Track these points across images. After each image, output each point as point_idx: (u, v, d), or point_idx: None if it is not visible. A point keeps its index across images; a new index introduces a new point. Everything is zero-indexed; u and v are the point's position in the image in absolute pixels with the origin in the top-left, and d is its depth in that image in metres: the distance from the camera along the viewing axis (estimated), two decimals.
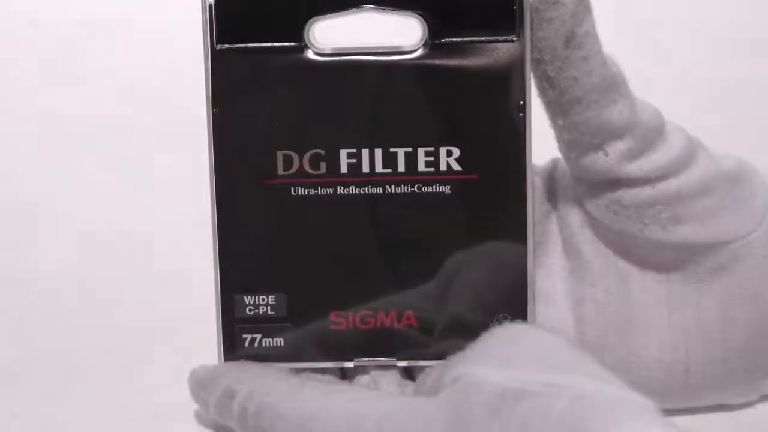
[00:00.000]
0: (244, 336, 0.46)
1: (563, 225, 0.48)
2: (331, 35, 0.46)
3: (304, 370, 0.46)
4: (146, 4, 0.86)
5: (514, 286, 0.46)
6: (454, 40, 0.45)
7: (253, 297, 0.46)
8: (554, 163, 0.49)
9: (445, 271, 0.46)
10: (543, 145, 0.47)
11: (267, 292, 0.46)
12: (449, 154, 0.45)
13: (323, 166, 0.45)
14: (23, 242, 0.67)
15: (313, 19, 0.45)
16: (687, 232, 0.46)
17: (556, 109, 0.45)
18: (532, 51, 0.44)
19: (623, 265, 0.47)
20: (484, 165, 0.45)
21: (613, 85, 0.45)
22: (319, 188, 0.45)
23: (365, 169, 0.45)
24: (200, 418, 0.48)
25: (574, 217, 0.47)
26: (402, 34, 0.46)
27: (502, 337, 0.43)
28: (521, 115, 0.45)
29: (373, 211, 0.46)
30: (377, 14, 0.45)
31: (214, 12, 0.45)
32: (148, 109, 0.77)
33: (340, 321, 0.46)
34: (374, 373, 0.46)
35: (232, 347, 0.46)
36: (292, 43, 0.45)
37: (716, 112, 0.76)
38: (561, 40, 0.44)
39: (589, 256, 0.47)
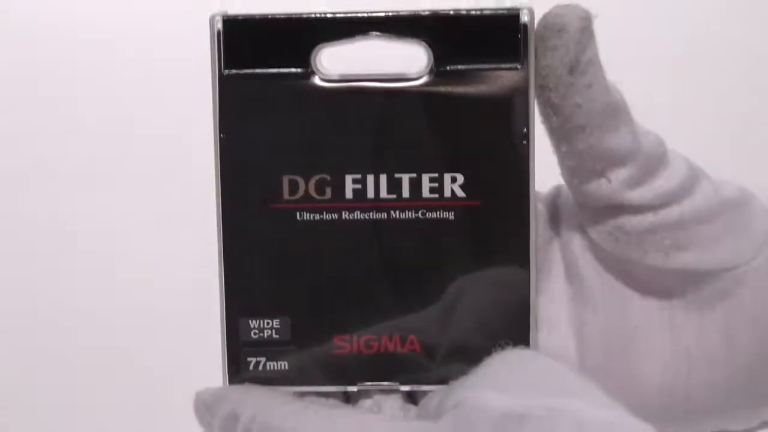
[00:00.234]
0: (249, 359, 0.46)
1: (566, 251, 0.48)
2: (337, 61, 0.46)
3: (308, 393, 0.46)
4: (155, 29, 0.86)
5: (516, 312, 0.45)
6: (459, 67, 0.45)
7: (257, 321, 0.46)
8: (557, 189, 0.49)
9: (448, 296, 0.46)
10: (546, 171, 0.46)
11: (272, 316, 0.46)
12: (453, 180, 0.45)
13: (329, 191, 0.45)
14: (31, 262, 0.66)
15: (320, 45, 0.45)
16: (689, 259, 0.45)
17: (560, 136, 0.45)
18: (536, 78, 0.44)
19: (625, 290, 0.47)
20: (487, 191, 0.45)
21: (616, 112, 0.45)
22: (325, 213, 0.45)
23: (370, 194, 0.45)
24: None
25: (577, 243, 0.47)
26: (407, 60, 0.46)
27: (505, 362, 0.43)
28: (525, 142, 0.45)
29: (377, 236, 0.46)
30: (383, 42, 0.45)
31: (222, 38, 0.45)
32: (154, 133, 0.77)
33: (344, 345, 0.46)
34: (377, 397, 0.46)
35: (237, 370, 0.46)
36: (299, 69, 0.45)
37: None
38: (565, 68, 0.44)
39: (590, 282, 0.47)
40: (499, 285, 0.46)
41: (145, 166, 0.74)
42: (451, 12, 0.45)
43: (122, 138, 0.77)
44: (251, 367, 0.46)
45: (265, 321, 0.46)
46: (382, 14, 0.45)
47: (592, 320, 0.46)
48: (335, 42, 0.45)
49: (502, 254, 0.46)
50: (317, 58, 0.45)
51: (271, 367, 0.46)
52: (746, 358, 0.46)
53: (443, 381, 0.45)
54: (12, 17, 0.89)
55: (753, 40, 0.85)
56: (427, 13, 0.45)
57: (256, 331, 0.46)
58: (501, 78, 0.45)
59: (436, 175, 0.45)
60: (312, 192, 0.45)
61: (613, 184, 0.45)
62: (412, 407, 0.46)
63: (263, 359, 0.46)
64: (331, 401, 0.46)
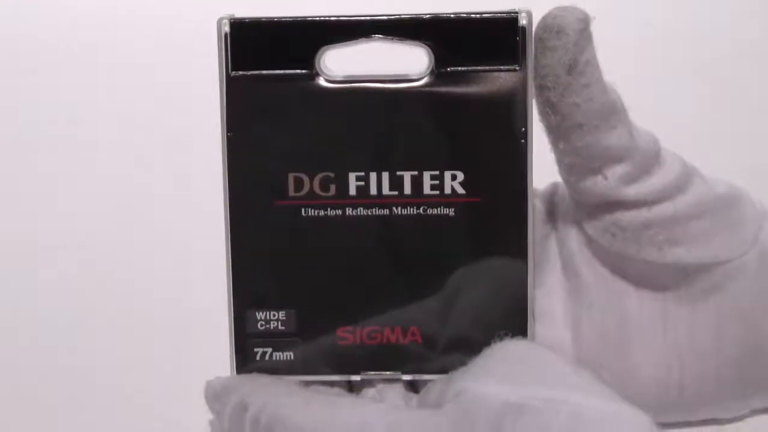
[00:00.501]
0: (256, 350, 0.47)
1: (562, 246, 0.48)
2: (341, 63, 0.47)
3: (313, 382, 0.47)
4: (164, 32, 0.86)
5: (514, 305, 0.46)
6: (459, 69, 0.45)
7: (264, 312, 0.47)
8: (554, 186, 0.50)
9: (448, 289, 0.46)
10: (543, 169, 0.47)
11: (278, 308, 0.47)
12: (453, 177, 0.46)
13: (333, 188, 0.46)
14: (33, 261, 0.67)
15: (324, 47, 0.45)
16: (682, 253, 0.46)
17: (558, 134, 0.46)
18: (535, 77, 0.45)
19: (620, 285, 0.47)
20: (487, 188, 0.46)
21: (613, 112, 0.45)
22: (329, 209, 0.46)
23: (373, 191, 0.46)
24: (215, 427, 0.48)
25: (573, 238, 0.48)
26: (408, 62, 0.47)
27: (503, 353, 0.43)
28: (523, 141, 0.45)
29: (380, 232, 0.46)
30: (386, 44, 0.45)
31: (229, 40, 0.45)
32: (163, 131, 0.77)
33: (347, 336, 0.47)
34: (380, 386, 0.47)
35: (245, 360, 0.47)
36: (304, 71, 0.46)
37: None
38: (564, 68, 0.44)
39: (586, 277, 0.47)
40: (498, 279, 0.46)
41: (154, 163, 0.74)
42: (452, 15, 0.45)
43: (132, 136, 0.77)
44: (258, 358, 0.47)
45: (272, 313, 0.47)
46: (385, 17, 0.45)
47: (588, 314, 0.47)
48: (339, 44, 0.46)
49: (501, 249, 0.46)
50: (321, 60, 0.46)
51: (278, 358, 0.47)
52: (736, 350, 0.47)
53: (444, 371, 0.45)
54: (19, 19, 0.89)
55: (750, 42, 0.85)
56: (428, 16, 0.45)
57: (263, 323, 0.47)
58: (500, 79, 0.45)
59: (437, 172, 0.46)
60: (316, 189, 0.46)
61: (610, 180, 0.45)
62: (413, 396, 0.46)
63: (270, 350, 0.47)
64: (336, 390, 0.47)
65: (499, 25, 0.45)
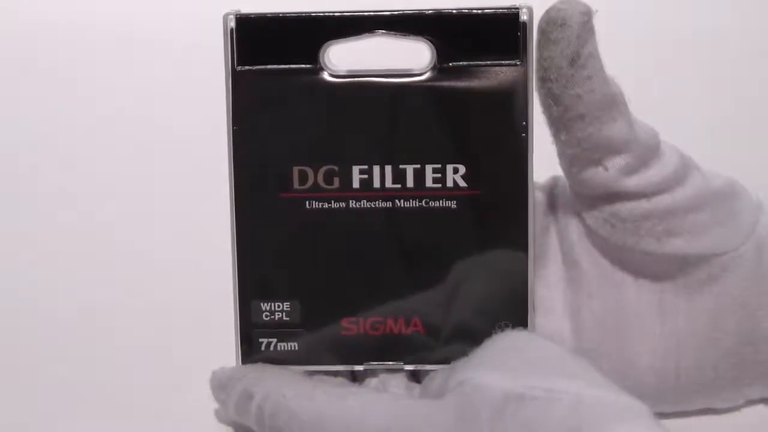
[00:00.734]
0: (261, 340, 0.47)
1: (562, 238, 0.49)
2: (345, 57, 0.47)
3: (317, 372, 0.47)
4: (172, 28, 0.86)
5: (515, 296, 0.46)
6: (461, 63, 0.46)
7: (269, 303, 0.47)
8: (554, 180, 0.50)
9: (451, 280, 0.47)
10: (544, 163, 0.47)
11: (282, 299, 0.47)
12: (455, 171, 0.46)
13: (336, 181, 0.46)
14: (43, 252, 0.67)
15: (328, 42, 0.46)
16: (680, 245, 0.46)
17: (560, 125, 0.46)
18: (538, 69, 0.45)
19: (619, 275, 0.47)
20: (488, 181, 0.46)
21: (614, 104, 0.45)
22: (333, 202, 0.46)
23: (376, 184, 0.46)
24: (220, 416, 0.49)
25: (573, 230, 0.48)
26: (411, 57, 0.47)
27: (504, 343, 0.44)
28: (524, 134, 0.46)
29: (383, 224, 0.46)
30: (388, 39, 0.46)
31: (235, 36, 0.46)
32: (171, 125, 0.78)
33: (351, 327, 0.47)
34: (383, 375, 0.47)
35: (250, 350, 0.47)
36: (309, 65, 0.46)
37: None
38: (566, 60, 0.44)
39: (586, 267, 0.48)
40: (499, 270, 0.47)
41: (161, 156, 0.74)
42: (454, 11, 0.45)
43: (139, 129, 0.77)
44: (263, 348, 0.47)
45: (276, 304, 0.47)
46: (388, 13, 0.46)
47: (588, 304, 0.47)
48: (343, 39, 0.46)
49: (502, 241, 0.46)
50: (325, 55, 0.46)
51: (282, 348, 0.47)
52: (732, 340, 0.47)
53: (445, 361, 0.46)
54: (25, 16, 0.89)
55: (753, 35, 0.85)
56: (430, 11, 0.46)
57: (268, 314, 0.47)
58: (501, 73, 0.46)
59: (439, 165, 0.46)
60: (320, 182, 0.46)
61: (610, 172, 0.46)
62: (416, 386, 0.47)
63: (274, 340, 0.47)
64: (339, 380, 0.47)
65: (500, 20, 0.45)
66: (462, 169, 0.46)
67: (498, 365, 0.42)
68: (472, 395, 0.40)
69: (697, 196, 0.47)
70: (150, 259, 0.65)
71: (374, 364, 0.47)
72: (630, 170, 0.46)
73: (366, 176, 0.46)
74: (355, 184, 0.46)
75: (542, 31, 0.45)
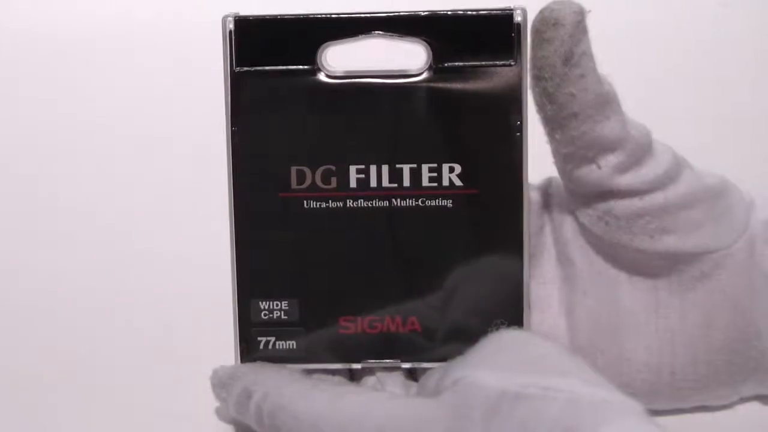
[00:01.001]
0: (260, 339, 0.47)
1: (557, 236, 0.49)
2: (341, 58, 0.47)
3: (315, 370, 0.47)
4: (171, 30, 0.86)
5: (511, 294, 0.46)
6: (457, 64, 0.46)
7: (267, 302, 0.47)
8: (549, 180, 0.50)
9: (447, 280, 0.47)
10: (538, 164, 0.47)
11: (280, 298, 0.47)
12: (451, 170, 0.46)
13: (334, 180, 0.46)
14: (42, 250, 0.67)
15: (325, 44, 0.46)
16: (673, 242, 0.46)
17: (554, 124, 0.46)
18: (532, 69, 0.45)
19: (613, 273, 0.47)
20: (484, 180, 0.46)
21: (607, 102, 0.45)
22: (330, 201, 0.46)
23: (373, 183, 0.46)
24: (220, 414, 0.49)
25: (568, 228, 0.48)
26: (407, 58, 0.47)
27: (500, 342, 0.43)
28: (518, 134, 0.46)
29: (380, 223, 0.46)
30: (385, 40, 0.46)
31: (233, 37, 0.46)
32: (170, 125, 0.77)
33: (348, 325, 0.47)
34: (380, 374, 0.47)
35: (249, 349, 0.47)
36: (306, 67, 0.46)
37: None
38: (560, 59, 0.44)
39: (580, 265, 0.48)
40: (495, 269, 0.46)
41: (160, 156, 0.74)
42: (449, 12, 0.45)
43: (139, 130, 0.77)
44: (262, 346, 0.47)
45: (275, 303, 0.47)
46: (384, 14, 0.46)
47: (582, 302, 0.47)
48: (340, 40, 0.46)
49: (498, 239, 0.46)
50: (323, 56, 0.46)
51: (281, 346, 0.47)
52: (725, 336, 0.47)
53: (442, 359, 0.46)
54: (23, 16, 0.89)
55: (747, 35, 0.85)
56: (426, 13, 0.46)
57: (266, 312, 0.47)
58: (496, 74, 0.46)
59: (435, 165, 0.46)
60: (318, 181, 0.46)
61: (603, 170, 0.46)
62: (413, 384, 0.47)
63: (273, 339, 0.47)
64: (337, 378, 0.47)
65: (494, 21, 0.45)
66: (458, 168, 0.46)
67: (493, 364, 0.42)
68: (467, 393, 0.40)
69: (689, 194, 0.47)
70: (150, 258, 0.65)
71: (372, 363, 0.47)
72: (623, 168, 0.46)
73: (363, 176, 0.46)
74: (353, 184, 0.46)
75: (536, 31, 0.45)
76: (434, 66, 0.46)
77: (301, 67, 0.46)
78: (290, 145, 0.46)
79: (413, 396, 0.45)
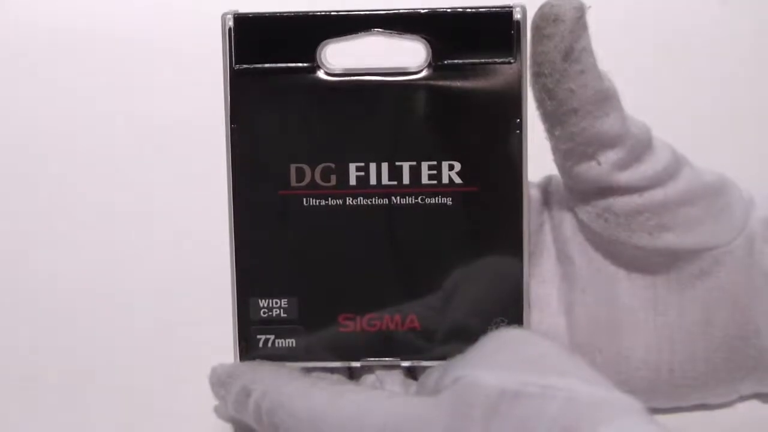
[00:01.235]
0: (259, 337, 0.47)
1: (557, 233, 0.48)
2: (341, 56, 0.46)
3: (314, 369, 0.47)
4: (170, 27, 0.86)
5: (510, 293, 0.46)
6: (456, 62, 0.45)
7: (267, 300, 0.47)
8: (548, 179, 0.50)
9: (446, 278, 0.46)
10: (538, 162, 0.47)
11: (280, 296, 0.47)
12: (451, 167, 0.46)
13: (333, 178, 0.46)
14: (42, 249, 0.67)
15: (325, 41, 0.45)
16: (672, 239, 0.46)
17: (554, 120, 0.46)
18: (532, 65, 0.45)
19: (612, 270, 0.47)
20: (483, 178, 0.46)
21: (607, 99, 0.45)
22: (330, 199, 0.46)
23: (372, 181, 0.46)
24: (219, 412, 0.48)
25: (567, 226, 0.48)
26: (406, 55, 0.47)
27: (500, 341, 0.43)
28: (518, 131, 0.45)
29: (380, 221, 0.46)
30: (385, 38, 0.45)
31: (233, 35, 0.45)
32: (169, 123, 0.77)
33: (348, 324, 0.47)
34: (379, 372, 0.47)
35: (248, 347, 0.47)
36: (305, 64, 0.46)
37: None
38: (560, 55, 0.44)
39: (579, 263, 0.47)
40: (494, 267, 0.46)
41: (159, 154, 0.74)
42: (449, 10, 0.45)
43: (137, 127, 0.77)
44: (261, 345, 0.47)
45: (274, 301, 0.47)
46: (383, 12, 0.45)
47: (581, 299, 0.47)
48: (339, 38, 0.45)
49: (498, 237, 0.46)
50: (322, 54, 0.46)
51: (280, 345, 0.47)
52: (724, 334, 0.47)
53: (442, 357, 0.46)
54: (24, 14, 0.89)
55: (746, 32, 0.85)
56: (425, 10, 0.45)
57: (266, 311, 0.47)
58: (495, 71, 0.45)
59: (434, 162, 0.46)
60: (318, 179, 0.46)
61: (603, 166, 0.46)
62: (412, 383, 0.47)
63: (272, 337, 0.47)
64: (336, 376, 0.47)
65: (494, 19, 0.45)
66: (457, 166, 0.46)
67: (493, 362, 0.41)
68: (467, 392, 0.40)
69: (689, 191, 0.46)
70: (149, 256, 0.65)
71: (371, 361, 0.47)
72: (623, 165, 0.46)
73: (363, 173, 0.46)
74: (352, 182, 0.46)
75: (536, 27, 0.45)
76: (434, 64, 0.45)
77: (300, 64, 0.46)
78: (290, 143, 0.46)
79: (413, 395, 0.45)
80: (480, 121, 0.46)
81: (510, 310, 0.46)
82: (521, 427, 0.38)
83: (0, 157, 0.76)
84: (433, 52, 0.45)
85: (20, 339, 0.57)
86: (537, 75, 0.45)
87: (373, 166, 0.46)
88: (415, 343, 0.46)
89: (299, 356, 0.47)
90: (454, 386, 0.41)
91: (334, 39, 0.45)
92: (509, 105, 0.45)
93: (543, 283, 0.48)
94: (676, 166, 0.46)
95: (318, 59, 0.45)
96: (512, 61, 0.45)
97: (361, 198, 0.46)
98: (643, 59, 0.80)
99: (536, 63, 0.45)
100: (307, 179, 0.46)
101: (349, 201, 0.46)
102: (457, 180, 0.46)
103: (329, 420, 0.42)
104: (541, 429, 0.37)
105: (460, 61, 0.45)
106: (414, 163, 0.46)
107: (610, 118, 0.45)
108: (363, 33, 0.45)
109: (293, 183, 0.46)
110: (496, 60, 0.45)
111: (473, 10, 0.45)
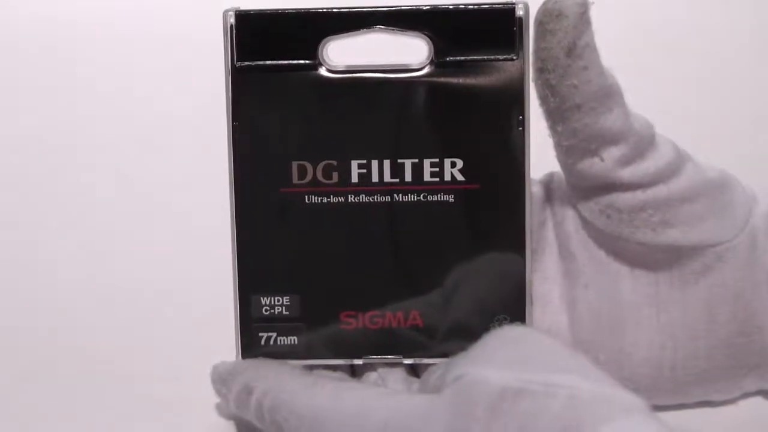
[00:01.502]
0: (261, 334, 0.47)
1: (559, 230, 0.48)
2: (343, 53, 0.46)
3: (316, 366, 0.47)
4: (171, 24, 0.86)
5: (513, 290, 0.46)
6: (458, 58, 0.45)
7: (268, 298, 0.47)
8: (551, 175, 0.49)
9: (448, 275, 0.46)
10: (540, 159, 0.47)
11: (282, 294, 0.47)
12: (453, 165, 0.46)
13: (335, 175, 0.46)
14: (42, 246, 0.67)
15: (326, 38, 0.45)
16: (675, 235, 0.46)
17: (557, 116, 0.45)
18: (535, 61, 0.45)
19: (614, 266, 0.47)
20: (485, 175, 0.46)
21: (610, 94, 0.45)
22: (332, 196, 0.46)
23: (374, 178, 0.46)
24: (221, 410, 0.48)
25: (569, 222, 0.48)
26: (407, 52, 0.46)
27: (502, 338, 0.43)
28: (520, 128, 0.45)
29: (382, 219, 0.46)
30: (387, 35, 0.45)
31: (234, 32, 0.45)
32: (171, 120, 0.77)
33: (350, 321, 0.46)
34: (382, 370, 0.47)
35: (250, 345, 0.47)
36: (307, 61, 0.45)
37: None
38: (563, 51, 0.44)
39: (582, 260, 0.47)
40: (497, 264, 0.46)
41: (161, 151, 0.74)
42: (451, 6, 0.45)
43: (139, 124, 0.77)
44: (263, 342, 0.47)
45: (276, 298, 0.47)
46: (385, 9, 0.45)
47: (584, 296, 0.47)
48: (341, 35, 0.45)
49: (500, 234, 0.46)
50: (324, 51, 0.45)
51: (282, 342, 0.47)
52: (727, 330, 0.47)
53: (444, 355, 0.46)
54: (24, 11, 0.89)
55: (748, 29, 0.85)
56: (427, 7, 0.45)
57: (268, 308, 0.47)
58: (498, 68, 0.45)
59: (436, 160, 0.46)
60: (319, 177, 0.46)
61: (606, 162, 0.45)
62: (414, 380, 0.46)
63: (274, 334, 0.47)
64: (338, 374, 0.47)
65: (496, 15, 0.45)
66: (459, 163, 0.46)
67: (495, 360, 0.41)
68: (469, 389, 0.40)
69: (691, 187, 0.46)
70: (150, 253, 0.65)
71: (373, 358, 0.47)
72: (626, 161, 0.45)
73: (365, 171, 0.46)
74: (354, 179, 0.46)
75: (539, 23, 0.44)
76: (436, 60, 0.45)
77: (302, 61, 0.45)
78: (291, 140, 0.46)
79: (415, 392, 0.45)
80: (482, 118, 0.45)
81: (512, 307, 0.46)
82: (524, 425, 0.38)
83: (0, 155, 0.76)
84: (435, 48, 0.45)
85: (21, 338, 0.57)
86: (540, 71, 0.45)
87: (375, 164, 0.46)
88: (418, 340, 0.46)
89: (301, 354, 0.47)
90: (456, 384, 0.41)
91: (336, 36, 0.45)
92: (511, 102, 0.45)
93: (545, 280, 0.48)
94: (678, 162, 0.46)
95: (320, 56, 0.45)
96: (515, 57, 0.45)
97: (363, 195, 0.46)
98: (646, 55, 0.80)
99: (539, 59, 0.45)
100: (309, 177, 0.46)
101: (351, 198, 0.46)
102: (460, 177, 0.46)
103: (331, 417, 0.42)
104: (543, 427, 0.37)
105: (463, 58, 0.45)
106: (416, 160, 0.46)
107: (613, 115, 0.45)
108: (365, 30, 0.45)
109: (295, 180, 0.46)
110: (499, 57, 0.45)
111: (475, 6, 0.45)
